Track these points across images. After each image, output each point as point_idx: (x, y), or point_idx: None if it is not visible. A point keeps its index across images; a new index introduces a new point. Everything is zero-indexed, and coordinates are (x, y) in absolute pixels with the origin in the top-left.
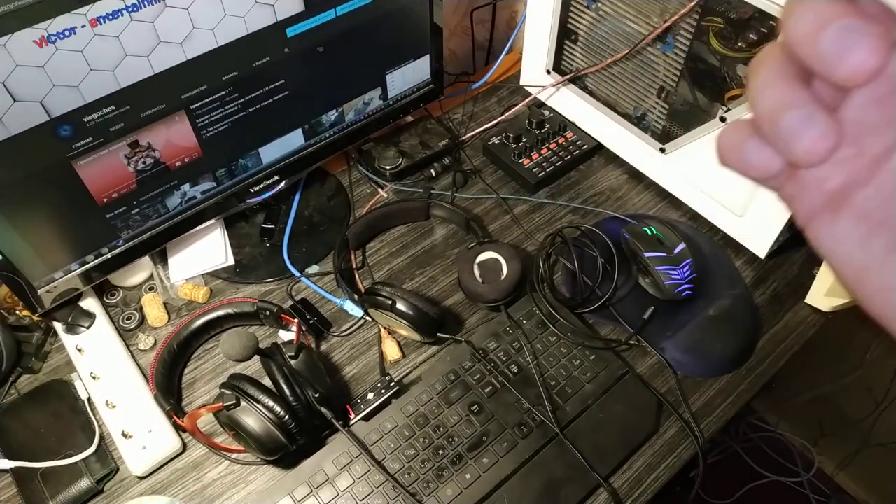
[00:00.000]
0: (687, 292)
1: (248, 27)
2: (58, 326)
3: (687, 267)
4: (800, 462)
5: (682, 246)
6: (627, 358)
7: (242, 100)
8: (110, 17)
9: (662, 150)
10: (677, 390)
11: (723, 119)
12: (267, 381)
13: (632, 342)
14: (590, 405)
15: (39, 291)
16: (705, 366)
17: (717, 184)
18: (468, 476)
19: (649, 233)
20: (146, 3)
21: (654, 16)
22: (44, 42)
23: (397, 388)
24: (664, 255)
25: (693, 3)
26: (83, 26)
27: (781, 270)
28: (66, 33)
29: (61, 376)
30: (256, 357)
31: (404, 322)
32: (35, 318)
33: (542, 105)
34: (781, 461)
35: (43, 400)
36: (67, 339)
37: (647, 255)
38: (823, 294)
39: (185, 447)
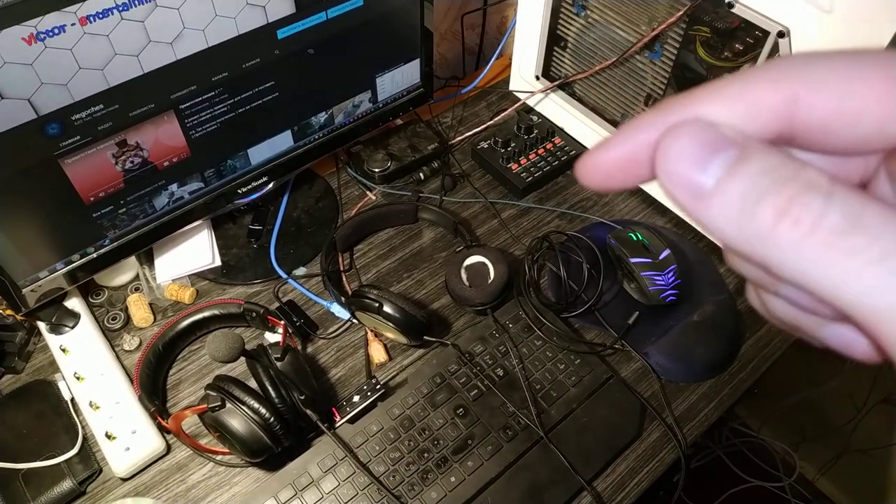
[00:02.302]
0: (671, 298)
1: (238, 28)
2: (41, 326)
3: (671, 273)
4: (782, 467)
5: (667, 252)
6: (612, 362)
7: (232, 101)
8: (100, 15)
9: None
10: (661, 395)
11: None
12: (252, 383)
13: (616, 347)
14: (574, 409)
15: (23, 290)
16: (689, 371)
17: None
18: (453, 479)
19: (635, 238)
20: (137, 2)
21: (642, 24)
22: (33, 39)
23: (383, 390)
24: (649, 260)
25: (681, 13)
26: (73, 24)
27: None
28: (56, 31)
29: (45, 376)
30: (242, 359)
31: (391, 325)
32: (18, 317)
33: (530, 110)
34: (763, 466)
35: (26, 400)
36: (51, 339)
37: (633, 260)
38: None
39: (169, 449)
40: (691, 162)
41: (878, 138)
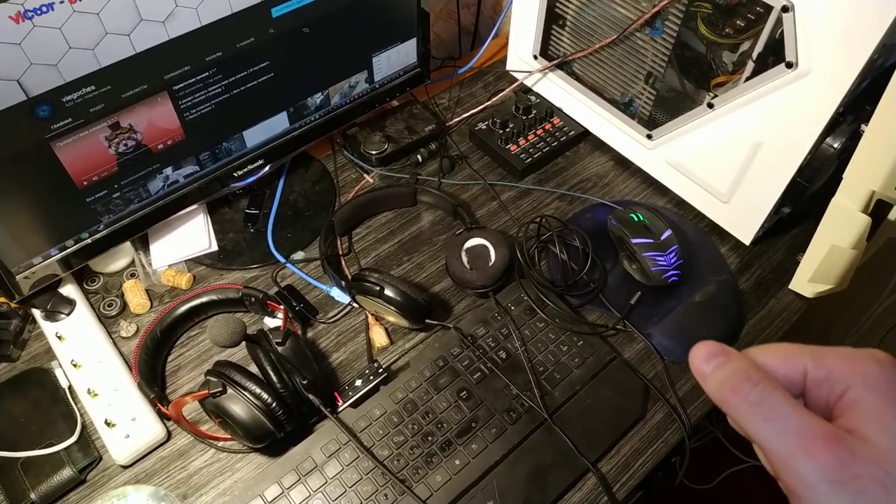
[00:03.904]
0: (673, 278)
1: (232, 6)
2: (36, 313)
3: (673, 253)
4: None
5: (668, 232)
6: (615, 344)
7: (226, 81)
8: None
9: (649, 137)
10: (664, 375)
11: (710, 105)
12: (253, 368)
13: (619, 328)
14: (578, 391)
15: (17, 277)
16: None
17: (702, 171)
18: (457, 462)
19: (636, 219)
20: None
21: (642, 0)
22: (20, 18)
23: (385, 374)
24: (651, 241)
25: None
26: (62, 2)
27: (766, 257)
28: (44, 9)
29: (41, 364)
30: (240, 345)
31: (392, 308)
32: (13, 304)
33: (528, 91)
34: None
35: (22, 389)
36: (47, 327)
37: (634, 241)
38: (807, 280)
39: (169, 435)
40: (701, 359)
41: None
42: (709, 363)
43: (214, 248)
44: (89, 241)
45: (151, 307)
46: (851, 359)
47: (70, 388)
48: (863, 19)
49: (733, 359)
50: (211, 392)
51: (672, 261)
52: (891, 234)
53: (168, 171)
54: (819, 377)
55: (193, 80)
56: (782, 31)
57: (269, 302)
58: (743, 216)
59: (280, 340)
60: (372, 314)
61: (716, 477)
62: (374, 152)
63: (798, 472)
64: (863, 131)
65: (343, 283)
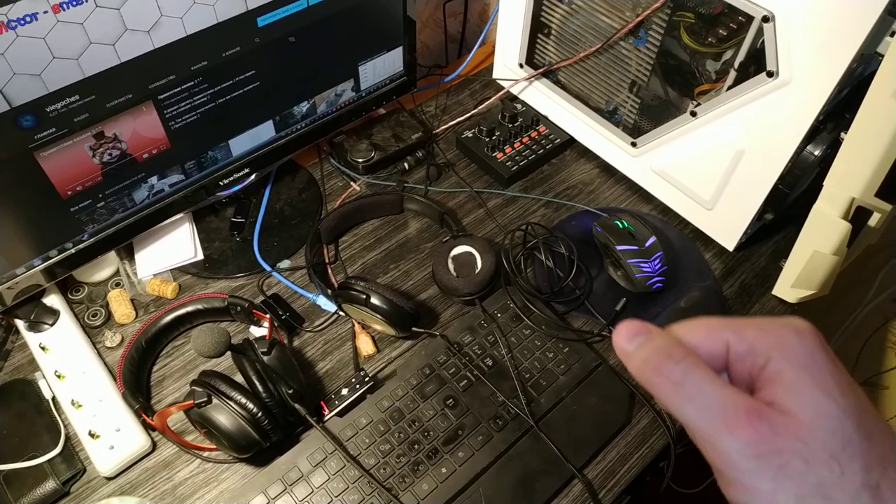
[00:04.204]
0: (658, 285)
1: (217, 16)
2: (20, 324)
3: (658, 260)
4: None
5: (652, 239)
6: (600, 350)
7: (212, 90)
8: (74, 2)
9: (634, 145)
10: None
11: (693, 114)
12: (239, 378)
13: (604, 334)
14: (564, 397)
15: (0, 288)
16: None
17: (686, 178)
18: (444, 470)
19: (621, 226)
20: None
21: (626, 10)
22: (3, 28)
23: (372, 383)
24: (635, 247)
25: None
26: (45, 12)
27: (749, 263)
28: (28, 19)
29: (24, 375)
30: (227, 354)
31: (379, 316)
32: None
33: (514, 99)
34: None
35: (5, 400)
36: (30, 337)
37: (619, 248)
38: (790, 286)
39: (154, 446)
40: (624, 339)
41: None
42: (631, 342)
43: (200, 256)
44: (73, 251)
45: (136, 317)
46: (770, 330)
47: (54, 399)
48: (841, 29)
49: (655, 337)
50: (196, 402)
51: (656, 267)
52: (871, 240)
53: (153, 180)
54: (741, 350)
55: (179, 89)
56: (763, 41)
57: (254, 311)
58: (726, 223)
59: (266, 350)
60: (358, 322)
61: (703, 480)
62: (360, 160)
63: (721, 449)
64: (842, 139)
65: (329, 291)
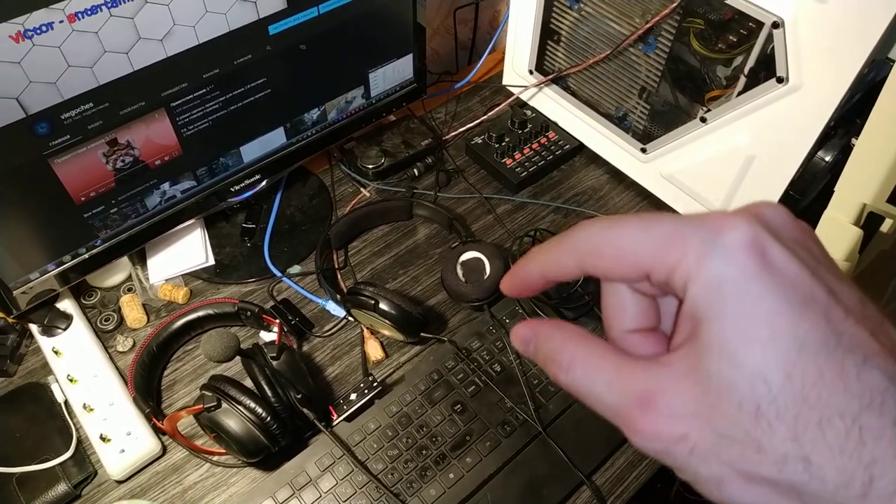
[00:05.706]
0: None
1: (229, 24)
2: (33, 328)
3: None
4: None
5: None
6: None
7: (223, 98)
8: (89, 12)
9: (643, 151)
10: None
11: (703, 119)
12: (248, 383)
13: None
14: (572, 403)
15: (14, 292)
16: None
17: (696, 184)
18: (452, 475)
19: None
20: None
21: (636, 17)
22: (20, 37)
23: (380, 388)
24: None
25: (674, 5)
26: (61, 22)
27: None
28: (44, 28)
29: (37, 379)
30: (237, 359)
31: (387, 322)
32: (10, 319)
33: (524, 105)
34: None
35: (18, 403)
36: (43, 341)
37: None
38: None
39: (164, 450)
40: (520, 346)
41: (636, 277)
42: (527, 349)
43: (211, 262)
44: (87, 256)
45: (148, 321)
46: (676, 239)
47: (66, 402)
48: (852, 35)
49: (541, 342)
50: (206, 406)
51: None
52: (883, 246)
53: (165, 186)
54: (657, 281)
55: (191, 96)
56: (773, 47)
57: (264, 316)
58: None
59: (275, 354)
60: (367, 328)
61: None
62: (370, 166)
63: (636, 444)
64: (853, 145)
65: (339, 296)
